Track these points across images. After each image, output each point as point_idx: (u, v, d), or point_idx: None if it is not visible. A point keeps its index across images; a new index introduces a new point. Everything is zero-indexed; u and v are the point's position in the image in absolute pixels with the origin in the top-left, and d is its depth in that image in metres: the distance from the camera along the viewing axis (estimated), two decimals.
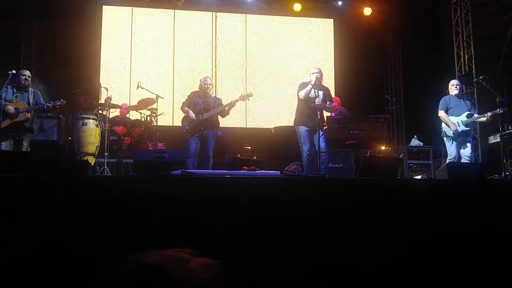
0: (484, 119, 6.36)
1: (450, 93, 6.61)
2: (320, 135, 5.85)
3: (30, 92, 6.13)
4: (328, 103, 6.18)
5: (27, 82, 6.09)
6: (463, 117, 6.34)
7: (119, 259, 0.87)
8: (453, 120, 6.35)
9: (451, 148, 6.39)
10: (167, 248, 0.91)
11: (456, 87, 6.58)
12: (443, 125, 6.49)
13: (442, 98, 6.60)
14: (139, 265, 0.85)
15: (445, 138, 6.49)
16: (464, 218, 3.08)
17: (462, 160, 6.26)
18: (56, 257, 2.54)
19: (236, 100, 6.25)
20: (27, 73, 6.22)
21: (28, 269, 2.49)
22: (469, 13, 8.76)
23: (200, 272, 0.86)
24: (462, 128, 6.30)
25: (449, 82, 6.87)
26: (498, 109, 6.23)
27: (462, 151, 6.36)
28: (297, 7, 10.04)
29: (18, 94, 6.04)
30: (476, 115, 6.41)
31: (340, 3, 10.18)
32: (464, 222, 3.07)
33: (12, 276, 2.43)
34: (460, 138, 6.34)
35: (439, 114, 6.50)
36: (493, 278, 2.94)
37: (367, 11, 10.22)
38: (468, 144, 6.39)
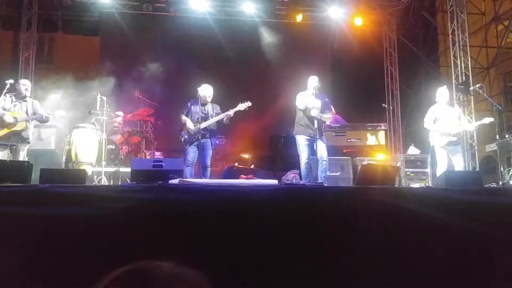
0: (471, 128, 6.34)
1: (439, 100, 6.40)
2: (320, 143, 5.88)
3: (28, 102, 6.15)
4: (326, 111, 6.16)
5: (27, 92, 6.15)
6: (451, 127, 6.17)
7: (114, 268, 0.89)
8: (441, 130, 6.19)
9: (441, 157, 6.22)
10: (161, 257, 0.93)
11: (444, 94, 6.40)
12: (430, 136, 6.35)
13: (430, 108, 6.41)
14: (124, 270, 0.88)
15: (435, 147, 6.34)
16: (462, 226, 3.08)
17: (456, 169, 6.08)
18: (53, 265, 2.52)
19: (234, 109, 6.26)
20: (27, 82, 6.30)
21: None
22: (466, 22, 8.83)
23: (183, 280, 0.88)
24: (450, 138, 6.15)
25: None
26: (485, 119, 6.21)
27: (454, 160, 6.19)
28: (299, 18, 10.13)
29: (17, 104, 6.06)
30: (463, 125, 6.30)
31: (336, 13, 10.23)
32: (462, 230, 3.06)
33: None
34: (449, 147, 6.20)
35: (425, 125, 6.35)
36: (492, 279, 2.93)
37: (358, 21, 10.29)
38: (459, 153, 6.23)
